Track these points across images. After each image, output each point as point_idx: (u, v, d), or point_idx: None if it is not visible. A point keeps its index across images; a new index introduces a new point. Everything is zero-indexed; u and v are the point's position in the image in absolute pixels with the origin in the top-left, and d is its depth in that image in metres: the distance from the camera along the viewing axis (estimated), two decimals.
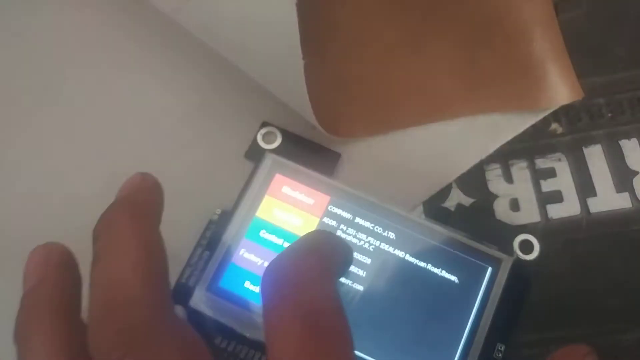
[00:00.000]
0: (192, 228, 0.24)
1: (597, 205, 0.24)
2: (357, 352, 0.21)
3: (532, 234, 0.23)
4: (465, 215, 0.24)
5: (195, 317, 0.22)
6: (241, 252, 0.23)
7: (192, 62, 0.26)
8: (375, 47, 0.25)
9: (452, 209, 0.24)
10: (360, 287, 0.23)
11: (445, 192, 0.24)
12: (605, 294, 0.23)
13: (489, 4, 0.24)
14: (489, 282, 0.23)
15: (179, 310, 0.22)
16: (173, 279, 0.23)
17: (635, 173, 0.24)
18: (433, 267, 0.23)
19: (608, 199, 0.24)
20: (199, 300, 0.22)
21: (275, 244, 0.23)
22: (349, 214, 0.23)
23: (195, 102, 0.25)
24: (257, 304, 0.22)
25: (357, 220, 0.23)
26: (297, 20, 0.21)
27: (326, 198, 0.24)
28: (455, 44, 0.25)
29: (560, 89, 0.24)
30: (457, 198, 0.24)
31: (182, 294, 0.23)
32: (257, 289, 0.23)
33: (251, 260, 0.23)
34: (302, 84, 0.22)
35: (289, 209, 0.23)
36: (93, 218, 0.16)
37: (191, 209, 0.24)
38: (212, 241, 0.23)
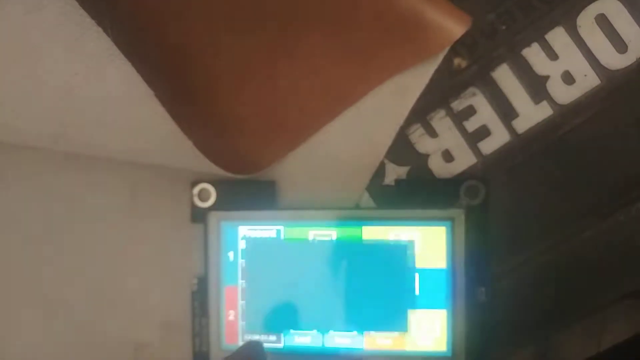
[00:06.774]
0: (179, 299, 0.26)
1: (522, 124, 0.24)
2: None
3: (473, 178, 0.24)
4: (407, 187, 0.25)
5: None
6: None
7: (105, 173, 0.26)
8: (248, 73, 0.24)
9: (393, 184, 0.25)
10: (343, 282, 0.24)
11: (380, 170, 0.25)
12: (557, 203, 0.24)
13: None
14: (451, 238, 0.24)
15: None
16: (188, 349, 0.25)
17: (546, 78, 0.24)
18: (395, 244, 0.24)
19: (530, 114, 0.24)
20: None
21: None
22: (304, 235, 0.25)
23: (126, 197, 0.26)
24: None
25: (314, 238, 0.25)
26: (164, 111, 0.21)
27: (279, 229, 0.25)
28: (325, 35, 0.24)
29: (447, 25, 0.23)
30: (393, 172, 0.25)
31: (203, 359, 0.25)
32: None
33: None
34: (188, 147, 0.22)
35: None
36: None
37: (172, 284, 0.26)
38: (204, 308, 0.25)
